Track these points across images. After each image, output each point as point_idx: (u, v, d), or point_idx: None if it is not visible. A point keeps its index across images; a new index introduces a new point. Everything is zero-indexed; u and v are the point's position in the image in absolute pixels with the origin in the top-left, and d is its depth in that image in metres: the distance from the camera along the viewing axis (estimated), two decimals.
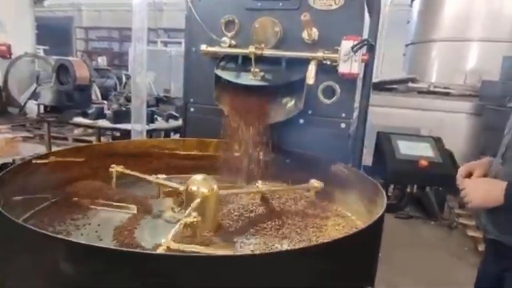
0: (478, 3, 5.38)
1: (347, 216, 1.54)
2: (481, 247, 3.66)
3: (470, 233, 4.00)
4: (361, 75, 1.82)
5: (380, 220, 1.12)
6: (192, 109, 2.12)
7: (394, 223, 4.15)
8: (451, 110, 4.72)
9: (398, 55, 7.18)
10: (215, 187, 1.38)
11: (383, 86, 5.34)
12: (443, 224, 4.38)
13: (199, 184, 1.37)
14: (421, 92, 5.14)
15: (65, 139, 7.20)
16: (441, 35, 5.72)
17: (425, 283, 3.14)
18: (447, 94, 4.90)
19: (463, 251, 3.77)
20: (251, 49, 1.78)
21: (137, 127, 3.13)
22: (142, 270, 0.85)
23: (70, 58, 4.98)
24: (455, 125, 4.71)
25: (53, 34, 14.12)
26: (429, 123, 4.65)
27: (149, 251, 1.10)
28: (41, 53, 10.34)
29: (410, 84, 5.27)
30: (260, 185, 1.54)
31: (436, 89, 5.04)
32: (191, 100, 2.11)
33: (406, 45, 6.65)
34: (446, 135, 4.55)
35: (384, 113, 4.75)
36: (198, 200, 1.31)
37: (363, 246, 1.10)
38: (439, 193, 4.51)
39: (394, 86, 5.33)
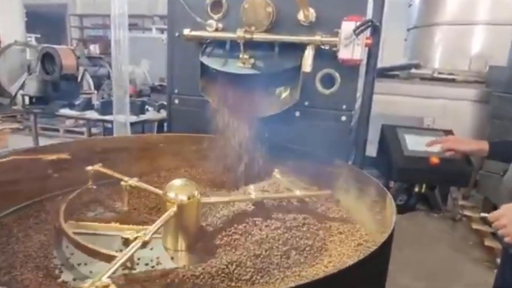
0: None
1: (352, 223, 1.35)
2: (488, 242, 3.51)
3: (475, 226, 3.85)
4: (364, 61, 1.61)
5: (390, 237, 0.94)
6: (176, 101, 1.92)
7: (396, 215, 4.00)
8: (455, 98, 4.52)
9: (399, 40, 6.94)
10: (196, 193, 1.20)
11: (384, 73, 5.12)
12: (447, 217, 4.22)
13: (178, 190, 1.19)
14: (424, 78, 4.92)
15: (57, 130, 7.01)
16: (445, 19, 5.48)
17: (427, 280, 2.99)
18: (452, 80, 4.68)
19: (467, 246, 3.62)
20: (239, 33, 1.57)
21: (120, 118, 2.92)
22: None
23: (55, 46, 4.73)
24: (460, 113, 4.52)
25: (46, 22, 13.82)
26: (432, 111, 4.47)
27: None
28: (33, 42, 10.06)
29: (413, 71, 5.05)
30: (253, 191, 1.33)
31: (440, 76, 4.82)
32: (176, 91, 1.91)
33: (408, 30, 6.41)
34: (450, 123, 4.35)
35: (385, 101, 4.54)
36: (163, 218, 1.10)
37: (373, 267, 0.92)
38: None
39: (396, 72, 5.11)
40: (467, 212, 4.15)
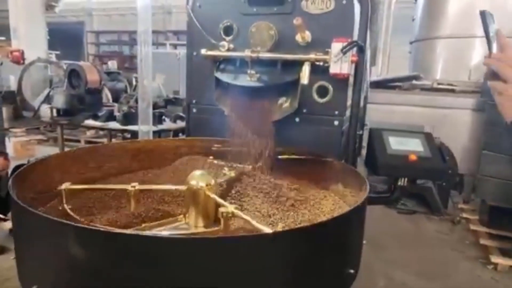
0: None
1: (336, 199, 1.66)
2: (483, 241, 3.72)
3: (473, 227, 4.06)
4: (352, 75, 1.91)
5: (362, 205, 1.22)
6: (194, 110, 2.24)
7: (397, 218, 4.23)
8: (454, 107, 4.77)
9: (405, 52, 7.21)
10: (213, 181, 1.51)
11: (387, 84, 5.40)
12: (446, 219, 4.43)
13: (199, 179, 1.49)
14: (424, 89, 5.19)
15: (78, 141, 7.43)
16: (446, 32, 5.75)
17: (423, 275, 3.21)
18: (451, 91, 4.95)
19: (464, 245, 3.83)
20: (247, 53, 1.89)
21: (144, 128, 3.27)
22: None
23: (81, 63, 5.15)
24: (459, 121, 4.76)
25: (64, 39, 14.43)
26: (433, 120, 4.72)
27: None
28: (53, 58, 10.61)
29: (414, 82, 5.32)
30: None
31: (440, 86, 5.08)
32: (194, 101, 2.24)
33: (411, 43, 6.69)
34: (449, 131, 4.61)
35: (388, 110, 4.84)
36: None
37: (346, 231, 1.20)
38: (442, 188, 4.56)
39: (398, 83, 5.39)
40: (466, 215, 4.36)
